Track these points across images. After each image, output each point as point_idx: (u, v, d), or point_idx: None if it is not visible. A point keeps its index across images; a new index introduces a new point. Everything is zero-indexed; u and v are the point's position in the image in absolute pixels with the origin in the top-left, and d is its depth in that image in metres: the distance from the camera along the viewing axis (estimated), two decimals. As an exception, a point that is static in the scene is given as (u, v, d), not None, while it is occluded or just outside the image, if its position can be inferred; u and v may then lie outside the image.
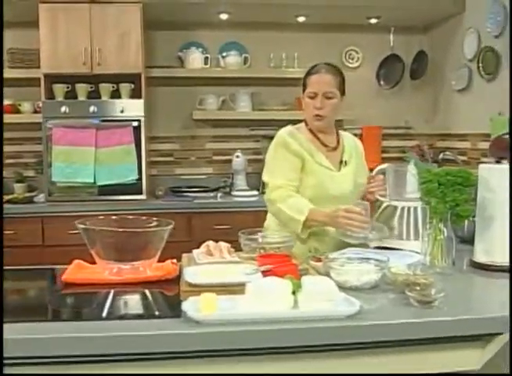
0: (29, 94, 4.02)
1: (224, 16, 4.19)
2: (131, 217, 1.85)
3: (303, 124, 2.45)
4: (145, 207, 3.80)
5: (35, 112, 4.02)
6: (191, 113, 4.41)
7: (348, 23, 4.42)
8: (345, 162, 2.41)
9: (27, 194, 3.94)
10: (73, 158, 3.67)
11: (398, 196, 2.22)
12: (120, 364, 1.28)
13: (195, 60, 4.29)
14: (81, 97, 3.85)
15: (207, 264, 1.70)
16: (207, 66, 4.31)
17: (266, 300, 1.35)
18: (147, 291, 1.60)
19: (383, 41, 4.52)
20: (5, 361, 1.22)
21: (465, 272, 1.85)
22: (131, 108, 3.79)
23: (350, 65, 4.65)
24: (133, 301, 1.56)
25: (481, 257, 1.86)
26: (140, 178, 3.83)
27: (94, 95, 3.88)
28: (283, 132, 2.39)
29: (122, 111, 3.76)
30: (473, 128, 3.96)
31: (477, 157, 3.90)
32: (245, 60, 4.39)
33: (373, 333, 1.34)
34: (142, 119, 3.80)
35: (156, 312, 1.44)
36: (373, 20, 4.34)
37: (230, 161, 4.50)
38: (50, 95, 3.82)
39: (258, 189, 4.38)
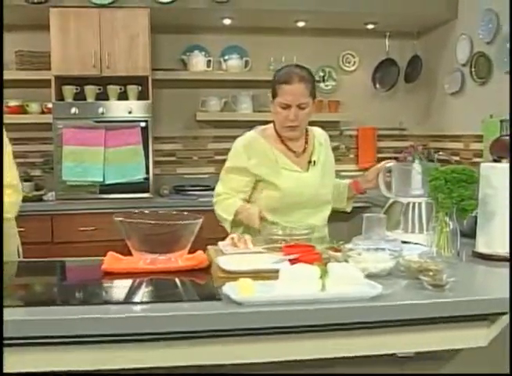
0: (37, 95, 4.13)
1: (227, 21, 4.34)
2: (162, 211, 1.99)
3: (271, 125, 2.43)
4: (152, 205, 3.93)
5: (42, 113, 4.14)
6: (193, 114, 4.56)
7: (346, 28, 4.59)
8: (314, 162, 2.42)
9: (36, 193, 4.05)
10: (83, 158, 3.80)
11: (404, 192, 2.38)
12: (170, 343, 1.42)
13: (198, 63, 4.44)
14: (90, 98, 3.98)
15: (234, 254, 1.85)
16: (210, 68, 4.46)
17: (298, 284, 1.51)
18: (184, 279, 1.74)
19: (379, 45, 4.70)
20: (82, 339, 1.38)
21: (468, 261, 2.01)
22: (139, 109, 3.92)
23: (347, 68, 4.83)
24: (172, 287, 1.70)
25: (482, 248, 2.03)
26: (147, 178, 3.97)
27: (102, 96, 4.01)
28: (240, 144, 2.41)
29: (130, 112, 3.90)
30: (465, 130, 4.15)
31: (469, 157, 4.09)
32: (246, 63, 4.54)
33: (394, 312, 1.50)
34: (150, 120, 3.94)
35: (198, 296, 1.58)
36: (370, 26, 4.52)
37: (231, 161, 4.64)
38: (59, 96, 3.94)
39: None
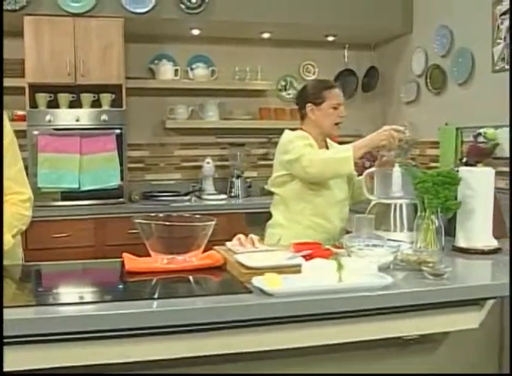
0: (6, 102, 4.11)
1: (195, 32, 4.48)
2: (175, 214, 2.12)
3: (303, 132, 2.75)
4: (127, 211, 4.02)
5: (12, 120, 4.13)
6: (161, 121, 4.68)
7: (307, 39, 4.83)
8: None
9: (9, 200, 4.03)
10: (58, 165, 3.84)
11: (385, 195, 2.61)
12: (210, 333, 1.56)
13: (166, 72, 4.55)
14: (63, 106, 4.01)
15: (249, 252, 2.00)
16: (177, 77, 4.58)
17: (319, 276, 1.68)
18: (206, 276, 1.88)
19: (338, 56, 4.97)
20: (122, 332, 1.49)
21: (449, 255, 2.24)
22: (114, 117, 4.00)
23: (307, 78, 5.06)
24: (201, 283, 1.84)
25: (462, 243, 2.27)
26: (121, 184, 4.04)
27: (75, 104, 4.06)
28: (299, 132, 2.71)
29: (105, 120, 3.97)
30: (421, 137, 4.44)
31: (426, 162, 4.39)
32: (212, 73, 4.69)
33: (403, 299, 1.70)
34: (124, 127, 4.03)
35: (229, 290, 1.72)
36: (330, 38, 4.77)
37: (197, 167, 4.80)
38: (32, 103, 3.96)
39: (226, 193, 4.70)
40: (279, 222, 2.73)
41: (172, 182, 4.82)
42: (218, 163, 4.84)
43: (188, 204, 4.35)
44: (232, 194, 4.72)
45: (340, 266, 1.73)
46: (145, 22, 4.11)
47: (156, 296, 1.67)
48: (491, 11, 3.61)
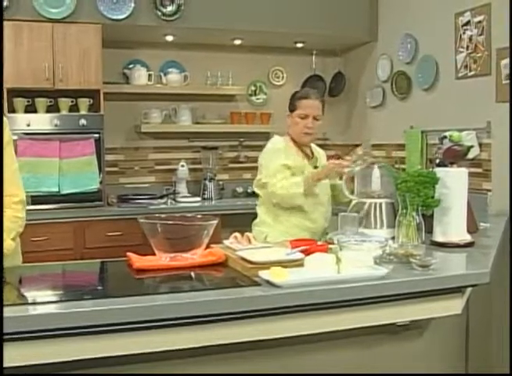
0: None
1: (169, 38, 4.59)
2: (177, 215, 2.23)
3: (288, 136, 2.95)
4: (106, 214, 4.09)
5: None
6: (135, 126, 4.76)
7: (277, 46, 5.00)
8: (316, 167, 2.98)
9: (-14, 204, 4.04)
10: (38, 169, 3.88)
11: (365, 194, 2.78)
12: (227, 323, 1.68)
13: (140, 77, 4.64)
14: (41, 111, 4.05)
15: (249, 249, 2.13)
16: (151, 82, 4.67)
17: (320, 268, 1.83)
18: (213, 272, 2.01)
19: (306, 62, 5.16)
20: (137, 325, 1.60)
21: (430, 248, 2.42)
22: (92, 121, 4.06)
23: (276, 83, 5.23)
24: (210, 278, 1.96)
25: (439, 237, 2.46)
26: (100, 187, 4.11)
27: (53, 109, 4.10)
28: (279, 141, 2.87)
29: (83, 125, 4.03)
30: (387, 139, 4.67)
31: (391, 164, 4.60)
32: (185, 78, 4.80)
33: (397, 288, 1.87)
34: (102, 132, 4.09)
35: (238, 283, 1.84)
36: (299, 45, 4.96)
37: (171, 171, 4.89)
38: (10, 108, 3.98)
39: (199, 195, 4.81)
40: (264, 220, 2.91)
41: (146, 185, 4.90)
42: (191, 166, 4.94)
43: (164, 206, 4.44)
44: (205, 196, 4.84)
45: (338, 259, 1.88)
46: (122, 28, 4.19)
47: (172, 290, 1.79)
48: (453, 21, 3.86)
